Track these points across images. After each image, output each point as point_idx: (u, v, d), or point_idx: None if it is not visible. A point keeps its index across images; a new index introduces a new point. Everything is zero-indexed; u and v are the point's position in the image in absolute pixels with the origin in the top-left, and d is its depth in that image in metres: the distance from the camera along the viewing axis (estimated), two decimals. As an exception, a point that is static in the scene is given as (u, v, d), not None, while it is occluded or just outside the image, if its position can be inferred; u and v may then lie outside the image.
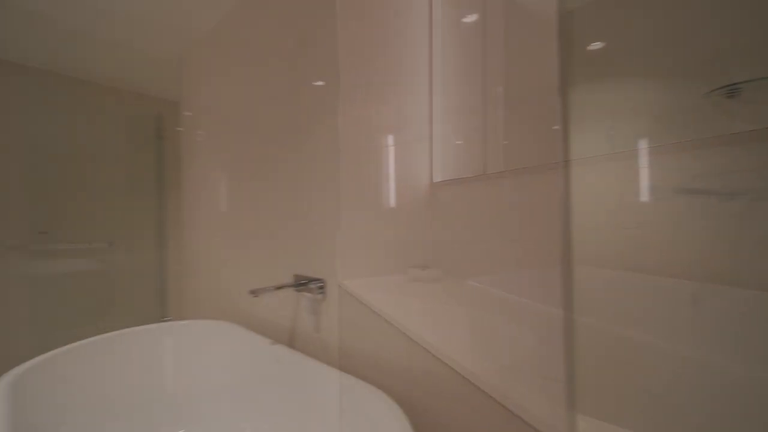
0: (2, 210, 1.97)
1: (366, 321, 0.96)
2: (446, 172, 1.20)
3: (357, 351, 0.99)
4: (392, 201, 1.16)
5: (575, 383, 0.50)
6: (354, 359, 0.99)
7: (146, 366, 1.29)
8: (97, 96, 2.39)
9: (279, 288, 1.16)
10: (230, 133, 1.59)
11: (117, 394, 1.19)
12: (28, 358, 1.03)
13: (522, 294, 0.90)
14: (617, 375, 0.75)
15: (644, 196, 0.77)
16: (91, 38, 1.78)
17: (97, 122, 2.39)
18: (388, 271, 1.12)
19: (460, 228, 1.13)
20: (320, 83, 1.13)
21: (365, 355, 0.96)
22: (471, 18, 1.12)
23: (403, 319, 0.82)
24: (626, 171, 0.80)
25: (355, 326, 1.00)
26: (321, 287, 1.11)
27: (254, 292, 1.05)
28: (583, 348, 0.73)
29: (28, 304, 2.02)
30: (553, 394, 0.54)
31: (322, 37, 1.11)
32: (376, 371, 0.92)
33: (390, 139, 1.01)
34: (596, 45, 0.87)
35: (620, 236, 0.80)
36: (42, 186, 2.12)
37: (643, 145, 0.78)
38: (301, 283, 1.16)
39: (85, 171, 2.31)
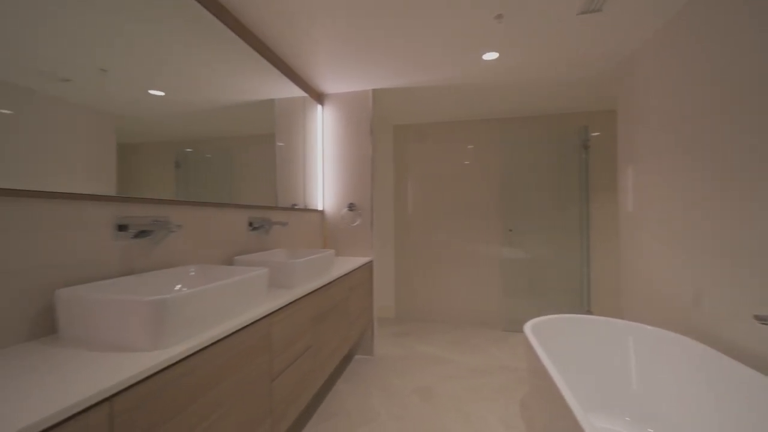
0: (490, 215, 3.12)
1: None
2: None
3: None
4: None
5: None
6: None
7: (608, 353, 1.53)
8: (533, 126, 3.09)
9: (790, 320, 0.93)
10: (688, 135, 1.47)
11: (586, 363, 1.53)
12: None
13: None
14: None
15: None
16: (533, 85, 2.36)
17: (534, 144, 3.10)
18: None
19: None
20: None
21: None
22: None
23: None
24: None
25: None
26: None
27: (761, 319, 0.92)
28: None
29: (499, 276, 3.08)
30: None
31: None
32: None
33: None
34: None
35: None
36: (508, 197, 3.10)
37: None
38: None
39: (528, 182, 3.08)
